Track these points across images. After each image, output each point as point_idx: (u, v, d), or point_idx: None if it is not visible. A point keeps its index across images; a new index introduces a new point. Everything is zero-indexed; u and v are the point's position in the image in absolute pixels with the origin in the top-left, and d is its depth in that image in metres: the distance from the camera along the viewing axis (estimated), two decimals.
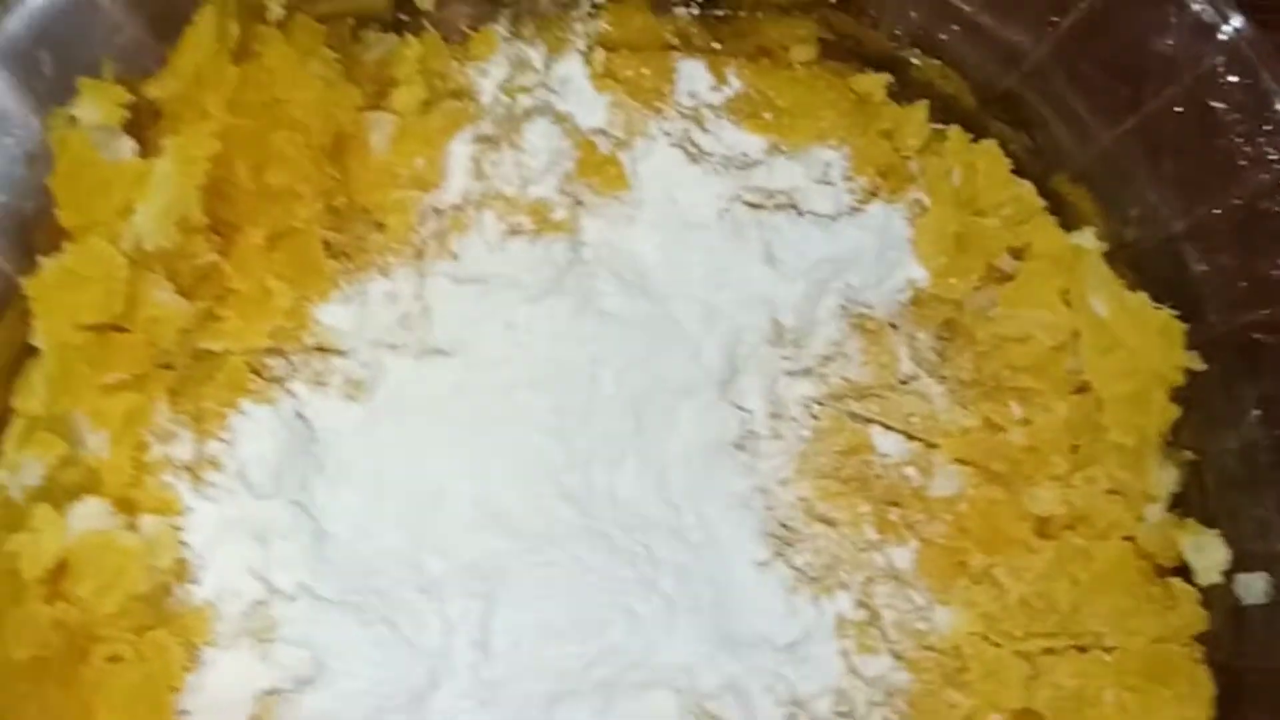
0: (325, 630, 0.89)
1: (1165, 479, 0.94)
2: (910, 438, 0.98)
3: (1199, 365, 0.91)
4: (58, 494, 0.86)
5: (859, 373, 0.98)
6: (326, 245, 0.94)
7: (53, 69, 0.85)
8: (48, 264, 0.84)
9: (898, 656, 0.93)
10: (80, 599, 0.85)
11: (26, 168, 0.85)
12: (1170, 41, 0.88)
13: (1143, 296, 0.92)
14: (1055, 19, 0.91)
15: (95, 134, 0.85)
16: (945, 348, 0.99)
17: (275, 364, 0.94)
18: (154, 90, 0.88)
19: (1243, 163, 0.88)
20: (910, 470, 0.97)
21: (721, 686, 0.91)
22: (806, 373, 0.98)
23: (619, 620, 0.92)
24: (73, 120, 0.84)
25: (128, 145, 0.86)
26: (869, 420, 0.98)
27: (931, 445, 0.97)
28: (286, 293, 0.92)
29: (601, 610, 0.92)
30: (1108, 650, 0.91)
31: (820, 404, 0.98)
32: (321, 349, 0.95)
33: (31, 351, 0.88)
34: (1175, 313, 0.92)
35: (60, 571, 0.85)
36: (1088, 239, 0.95)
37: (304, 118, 0.90)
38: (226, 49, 0.88)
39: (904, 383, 0.99)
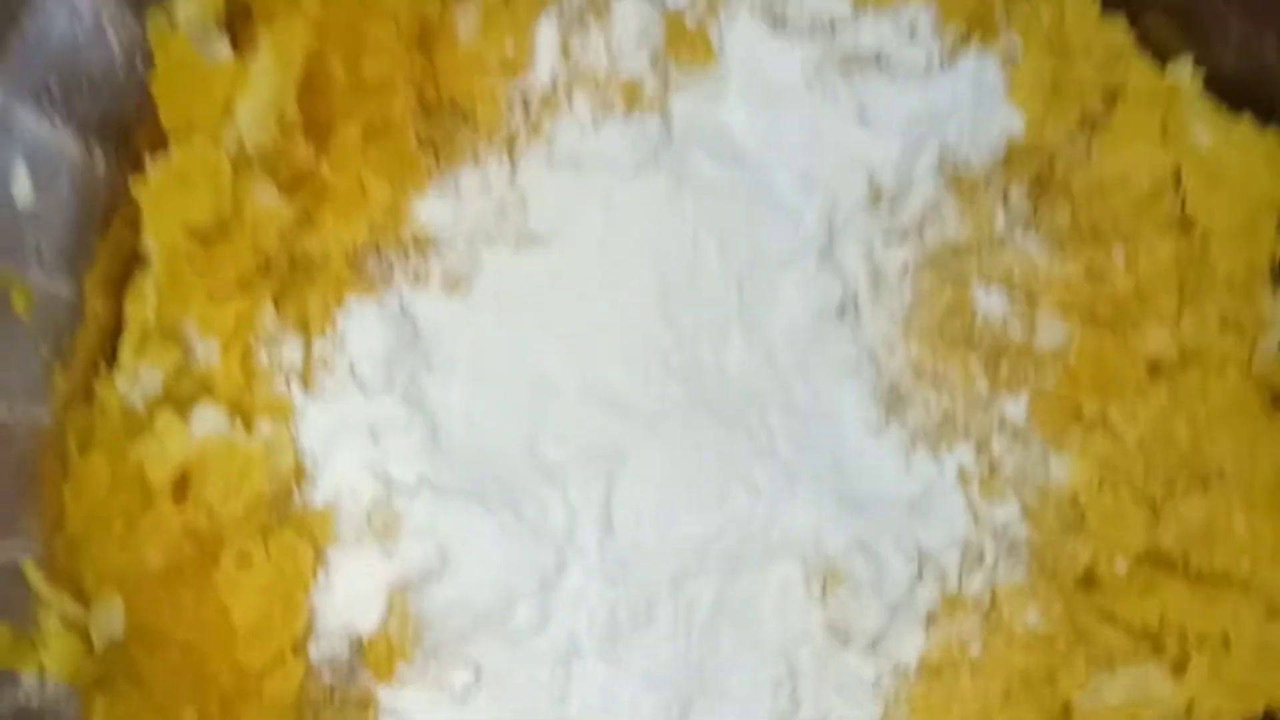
0: (449, 520, 0.89)
1: (1278, 307, 0.93)
2: (1012, 292, 0.97)
3: None
4: (175, 401, 0.87)
5: (956, 231, 0.97)
6: (419, 138, 0.93)
7: None
8: (154, 167, 0.84)
9: (1022, 505, 0.93)
10: (206, 503, 0.85)
11: (125, 69, 0.84)
12: None
13: (1247, 123, 0.92)
14: None
15: (193, 33, 0.84)
16: (1039, 201, 0.98)
17: (374, 261, 0.94)
18: None
19: None
20: (1015, 324, 0.97)
21: (849, 546, 0.91)
22: (904, 235, 0.97)
23: (739, 491, 0.92)
24: (170, 19, 0.83)
25: (223, 44, 0.86)
26: (969, 279, 0.98)
27: (1034, 298, 0.97)
28: (383, 188, 0.91)
29: (721, 482, 0.92)
30: (1232, 483, 0.91)
31: (919, 265, 0.98)
32: (419, 244, 0.94)
33: (137, 260, 0.88)
34: None
35: (185, 477, 0.85)
36: (1184, 70, 0.94)
37: (394, 8, 0.90)
38: None
39: (1001, 239, 0.98)
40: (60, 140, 0.82)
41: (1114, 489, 0.93)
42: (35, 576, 0.80)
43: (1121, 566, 0.93)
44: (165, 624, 0.83)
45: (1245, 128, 0.92)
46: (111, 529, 0.83)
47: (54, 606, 0.80)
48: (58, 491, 0.83)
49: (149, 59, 0.84)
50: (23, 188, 0.81)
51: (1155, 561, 0.92)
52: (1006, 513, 0.93)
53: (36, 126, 0.81)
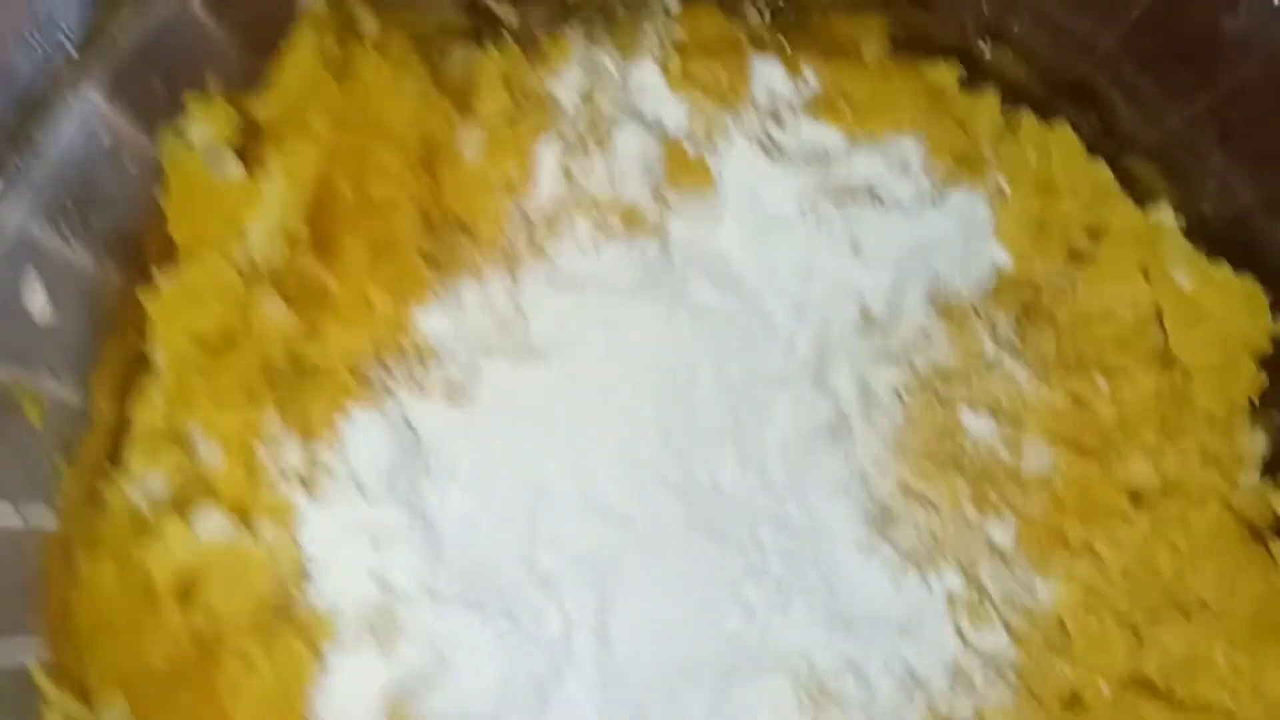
0: (447, 627, 0.91)
1: (1256, 443, 0.96)
2: (999, 418, 1.00)
3: None
4: (180, 504, 0.88)
5: (945, 356, 1.00)
6: (422, 253, 0.96)
7: (160, 86, 0.87)
8: (166, 280, 0.86)
9: (1008, 629, 0.95)
10: (210, 607, 0.87)
11: (138, 186, 0.87)
12: (1241, 20, 0.91)
13: (1225, 267, 0.95)
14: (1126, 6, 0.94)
15: (205, 152, 0.87)
16: (1026, 330, 1.01)
17: (377, 372, 0.96)
18: (260, 109, 0.90)
19: None
20: (1002, 449, 0.99)
21: (839, 665, 0.92)
22: (895, 359, 1.00)
23: (733, 607, 0.94)
24: (182, 137, 0.86)
25: (234, 162, 0.88)
26: (957, 403, 1.00)
27: (1020, 424, 0.99)
28: (387, 301, 0.94)
29: (715, 598, 0.94)
30: (1213, 614, 0.93)
31: (909, 389, 1.00)
32: (421, 355, 0.96)
33: (142, 362, 0.90)
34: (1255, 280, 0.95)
35: (189, 579, 0.87)
36: (1166, 214, 0.97)
37: (401, 131, 0.93)
38: (328, 67, 0.91)
39: (989, 366, 1.01)
40: (75, 256, 0.85)
41: (1098, 614, 0.95)
42: (41, 678, 0.81)
43: (1106, 691, 0.94)
44: None
45: (1223, 271, 0.95)
46: (117, 631, 0.84)
47: (59, 707, 0.81)
48: (63, 593, 0.84)
49: (160, 175, 0.87)
50: (40, 304, 0.83)
51: (1139, 687, 0.94)
52: (994, 637, 0.95)
53: (52, 244, 0.83)
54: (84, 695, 0.84)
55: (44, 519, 0.84)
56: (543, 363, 0.97)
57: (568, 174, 0.98)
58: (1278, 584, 0.92)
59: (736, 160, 1.00)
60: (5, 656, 0.81)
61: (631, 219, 0.98)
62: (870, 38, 1.02)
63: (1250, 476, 0.96)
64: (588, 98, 1.01)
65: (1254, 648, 0.91)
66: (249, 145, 0.91)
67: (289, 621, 0.90)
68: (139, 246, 0.88)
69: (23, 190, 0.82)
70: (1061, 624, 0.96)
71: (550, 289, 0.97)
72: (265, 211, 0.88)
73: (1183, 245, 0.97)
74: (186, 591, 0.87)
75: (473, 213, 0.97)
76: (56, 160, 0.83)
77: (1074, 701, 0.95)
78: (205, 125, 0.88)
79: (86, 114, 0.84)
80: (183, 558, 0.86)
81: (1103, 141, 1.00)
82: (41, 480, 0.84)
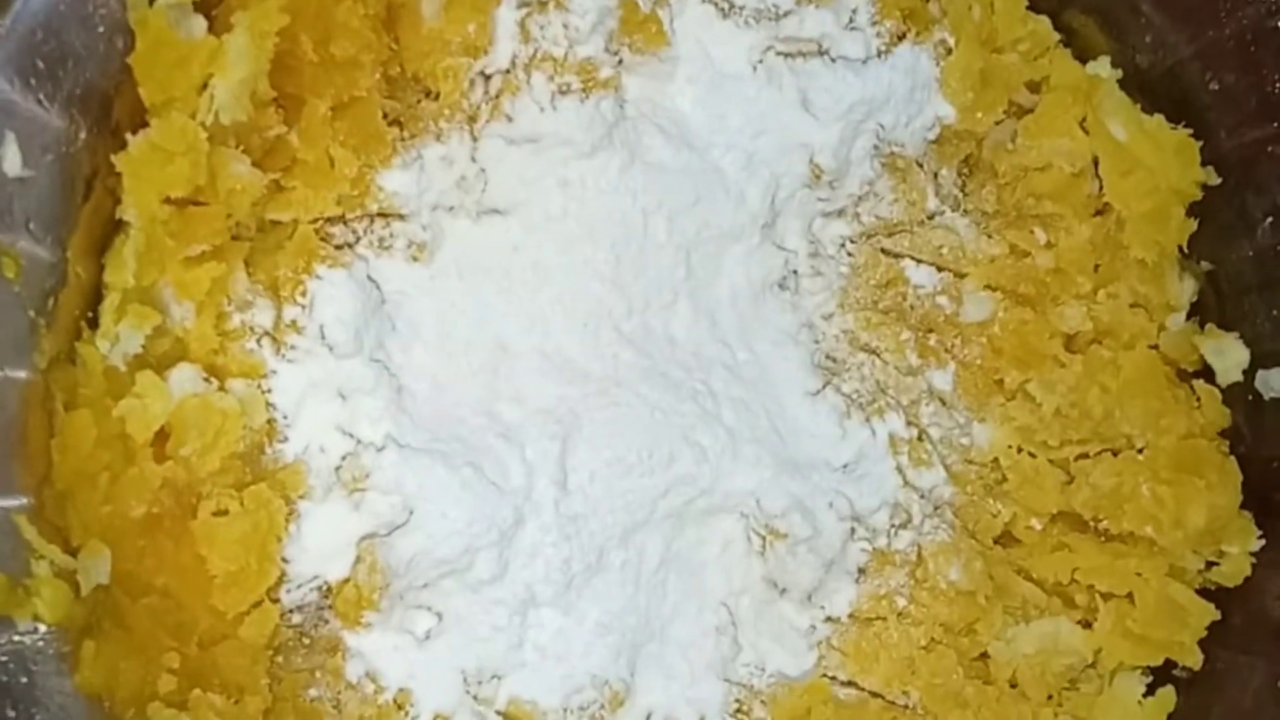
0: (414, 476, 0.94)
1: (1185, 289, 1.01)
2: (941, 268, 1.04)
3: (1214, 179, 0.98)
4: (154, 361, 0.91)
5: (890, 210, 1.04)
6: (384, 114, 0.97)
7: None
8: (135, 140, 0.88)
9: (947, 469, 1.00)
10: (184, 459, 0.90)
11: (106, 46, 0.88)
12: None
13: (1159, 118, 0.99)
14: None
15: (171, 12, 0.88)
16: (968, 182, 1.05)
17: (341, 231, 0.98)
18: None
19: None
20: (943, 299, 1.04)
21: (787, 506, 0.97)
22: (841, 213, 1.04)
23: (686, 452, 0.98)
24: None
25: (199, 23, 0.89)
26: (901, 255, 1.04)
27: (961, 274, 1.04)
28: (350, 160, 0.95)
29: (669, 444, 0.98)
30: (1140, 450, 0.98)
31: (854, 241, 1.04)
32: (384, 214, 0.99)
33: (118, 227, 0.91)
34: (1189, 131, 0.98)
35: (165, 433, 0.90)
36: (1103, 68, 1.01)
37: None
38: None
39: (931, 217, 1.05)
40: (46, 115, 0.86)
41: (1031, 454, 1.01)
42: (27, 529, 0.84)
43: (1037, 526, 1.00)
44: (147, 572, 0.87)
45: (1158, 123, 0.99)
46: (96, 483, 0.86)
47: (45, 556, 0.84)
48: (44, 447, 0.87)
49: (129, 37, 0.87)
50: (12, 160, 0.84)
51: (1068, 522, 1.00)
52: (933, 476, 1.00)
53: (24, 101, 0.84)
54: (67, 545, 0.87)
55: (24, 374, 0.86)
56: (502, 220, 1.00)
57: (525, 32, 0.99)
58: (1200, 422, 0.98)
59: (689, 17, 1.02)
60: None
61: (587, 76, 0.99)
62: None
63: (1177, 320, 1.01)
64: None
65: (1177, 481, 0.96)
66: (215, 5, 0.92)
67: (261, 473, 0.93)
68: (109, 107, 0.89)
69: None
70: (996, 463, 1.01)
71: (509, 147, 0.99)
72: (229, 70, 0.89)
73: (1119, 97, 1.00)
74: (163, 445, 0.90)
75: (433, 74, 0.98)
76: (26, 19, 0.84)
77: (1007, 537, 1.02)
78: None
79: None
80: (159, 413, 0.89)
81: None
82: (21, 336, 0.86)
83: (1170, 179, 0.98)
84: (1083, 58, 1.02)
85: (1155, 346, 1.00)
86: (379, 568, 0.93)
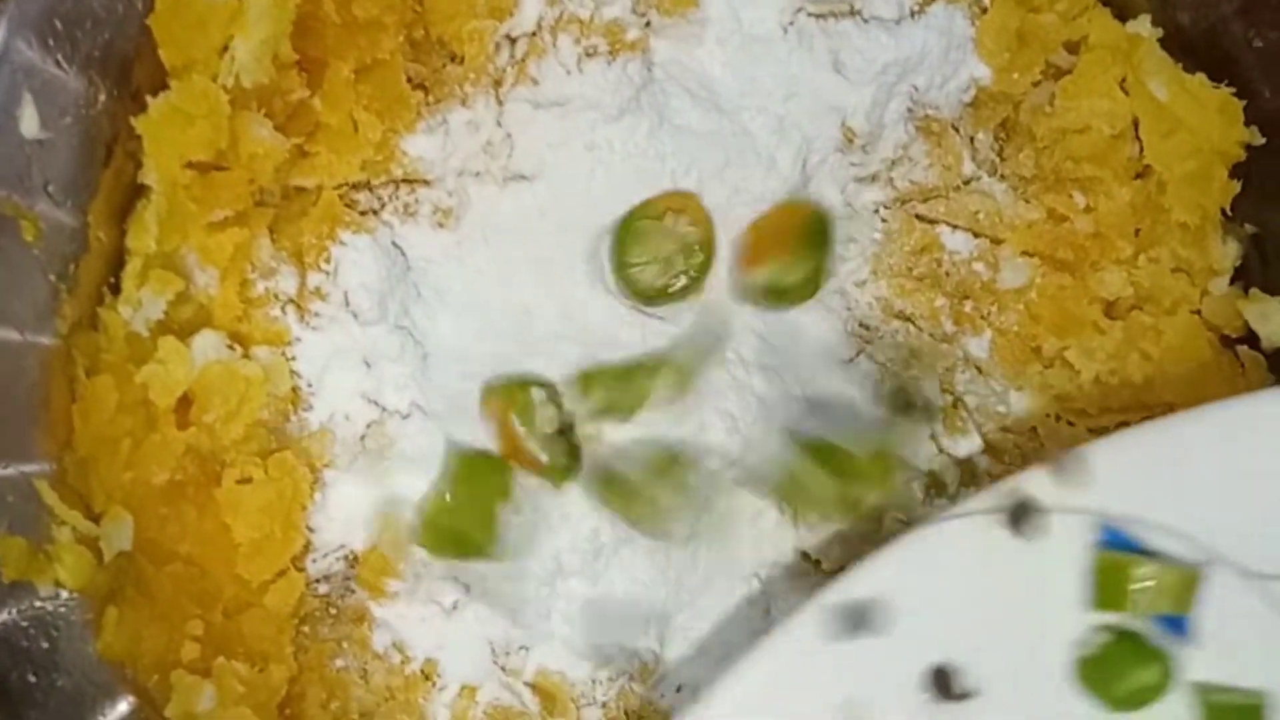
0: (439, 444, 0.94)
1: (1228, 252, 0.98)
2: (977, 234, 1.02)
3: (1258, 139, 0.95)
4: (177, 327, 0.90)
5: (924, 175, 1.02)
6: (408, 78, 0.96)
7: None
8: (156, 103, 0.87)
9: (983, 438, 0.98)
10: (208, 425, 0.89)
11: (125, 7, 0.87)
12: None
13: (1201, 77, 0.96)
14: None
15: None
16: (1004, 146, 1.02)
17: (366, 197, 0.97)
18: None
19: None
20: (979, 265, 1.01)
21: None
22: (874, 177, 1.01)
23: (716, 421, 0.96)
24: None
25: None
26: (936, 220, 1.02)
27: (998, 240, 1.01)
28: (374, 125, 0.94)
29: (699, 413, 0.96)
30: None
31: (888, 206, 1.02)
32: (409, 180, 0.98)
33: (139, 192, 0.90)
34: (1231, 90, 0.96)
35: (187, 400, 0.89)
36: (1143, 26, 0.98)
37: None
38: None
39: (967, 182, 1.02)
40: (64, 76, 0.85)
41: (1070, 423, 0.99)
42: (49, 494, 0.83)
43: None
44: (171, 539, 0.87)
45: (1199, 82, 0.96)
46: (118, 449, 0.86)
47: (67, 522, 0.84)
48: (66, 413, 0.86)
49: None
50: (30, 122, 0.83)
51: None
52: (969, 445, 0.98)
53: (42, 63, 0.84)
54: (89, 511, 0.87)
55: (45, 339, 0.85)
56: (528, 185, 0.98)
57: None
58: (1244, 388, 0.95)
59: None
60: (15, 473, 0.83)
61: (614, 38, 0.98)
62: None
63: (1220, 285, 0.98)
64: None
65: None
66: None
67: (285, 440, 0.93)
68: (129, 70, 0.88)
69: (10, 9, 0.82)
70: (1034, 432, 0.99)
71: (535, 110, 0.98)
72: (251, 32, 0.88)
73: (1160, 56, 0.97)
74: (185, 411, 0.89)
75: (458, 37, 0.97)
76: None
77: None
78: None
79: None
80: (181, 379, 0.88)
81: None
82: (42, 301, 0.85)
83: (1213, 139, 0.95)
84: (1122, 16, 0.99)
85: (1198, 312, 0.98)
86: (401, 534, 0.92)
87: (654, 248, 0.96)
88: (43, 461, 0.85)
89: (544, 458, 0.94)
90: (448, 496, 0.92)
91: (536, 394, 0.95)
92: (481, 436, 0.95)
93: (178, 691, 0.85)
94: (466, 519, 0.93)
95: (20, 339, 0.84)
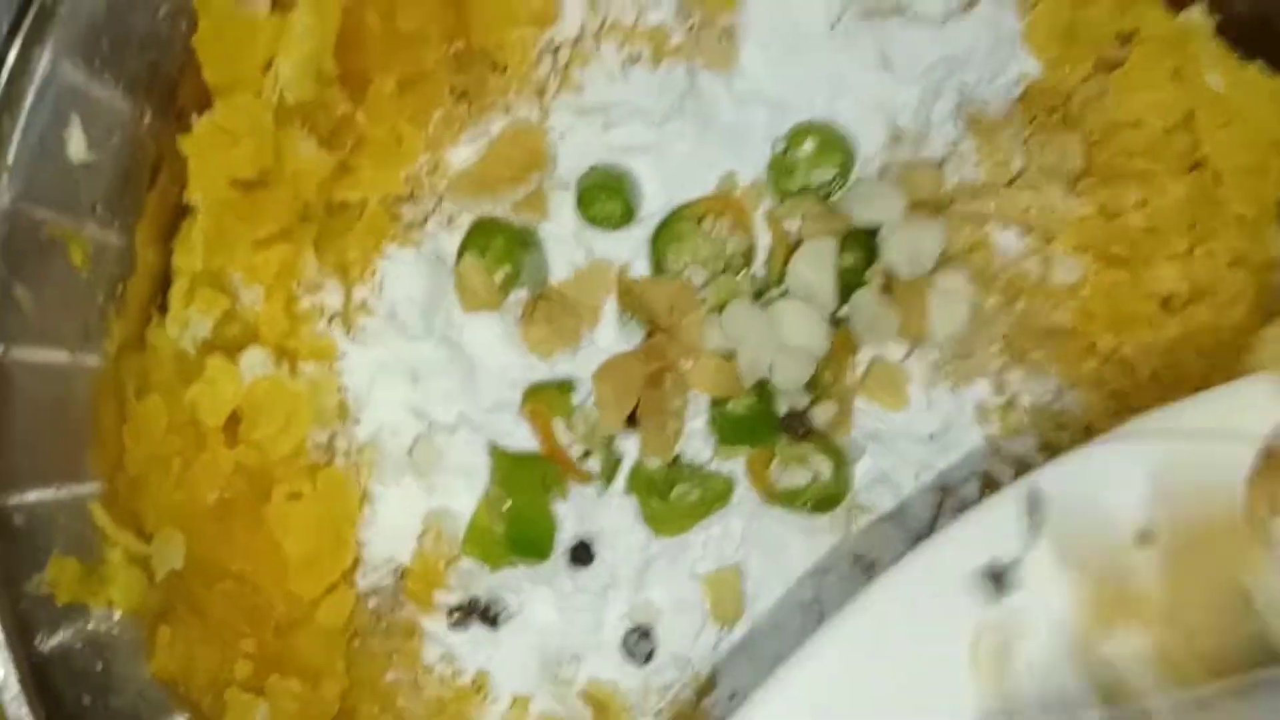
0: (484, 456, 0.94)
1: None
2: (1028, 231, 1.00)
3: None
4: (224, 346, 0.91)
5: (974, 172, 1.00)
6: (451, 89, 0.96)
7: None
8: (200, 122, 0.87)
9: (1039, 437, 0.97)
10: (256, 442, 0.90)
11: (169, 28, 0.87)
12: None
13: (1258, 65, 0.94)
14: None
15: None
16: (1055, 141, 1.01)
17: (410, 209, 0.97)
18: None
19: None
20: (1030, 263, 1.00)
21: (871, 479, 0.95)
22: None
23: None
24: None
25: (263, 0, 0.89)
26: (986, 217, 1.01)
27: (1049, 237, 1.00)
28: (418, 137, 0.94)
29: None
30: None
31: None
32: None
33: (185, 212, 0.91)
34: None
35: (235, 418, 0.90)
36: (1197, 15, 0.96)
37: None
38: None
39: (1018, 178, 1.01)
40: (111, 98, 0.86)
41: (1126, 419, 0.97)
42: (100, 515, 0.84)
43: None
44: (222, 557, 0.88)
45: (1256, 71, 0.94)
46: (169, 468, 0.87)
47: (118, 543, 0.85)
48: (116, 434, 0.87)
49: (192, 18, 0.87)
50: (78, 145, 0.84)
51: None
52: (1024, 444, 0.96)
53: (88, 85, 0.85)
54: (140, 531, 0.87)
55: (95, 360, 0.86)
56: (571, 193, 0.98)
57: (593, 1, 0.97)
58: None
59: None
60: (67, 495, 0.84)
61: (658, 44, 0.97)
62: None
63: (1278, 278, 0.96)
64: None
65: None
66: None
67: (334, 455, 0.93)
68: (173, 90, 0.89)
69: (56, 30, 0.82)
70: (1091, 433, 0.97)
71: (579, 119, 0.97)
72: (294, 48, 0.88)
73: (1214, 46, 0.95)
74: (234, 429, 0.89)
75: (500, 46, 0.97)
76: (88, 1, 0.84)
77: None
78: None
79: None
80: (230, 397, 0.89)
81: None
82: (91, 323, 0.86)
83: (1271, 129, 0.93)
84: (1175, 5, 0.97)
85: (1256, 307, 0.95)
86: (445, 538, 0.92)
87: (691, 249, 0.95)
88: (93, 482, 0.86)
89: (588, 462, 0.94)
90: (504, 503, 0.92)
91: (577, 397, 0.95)
92: (528, 444, 0.94)
93: (231, 710, 0.86)
94: (524, 520, 0.93)
95: (69, 360, 0.85)
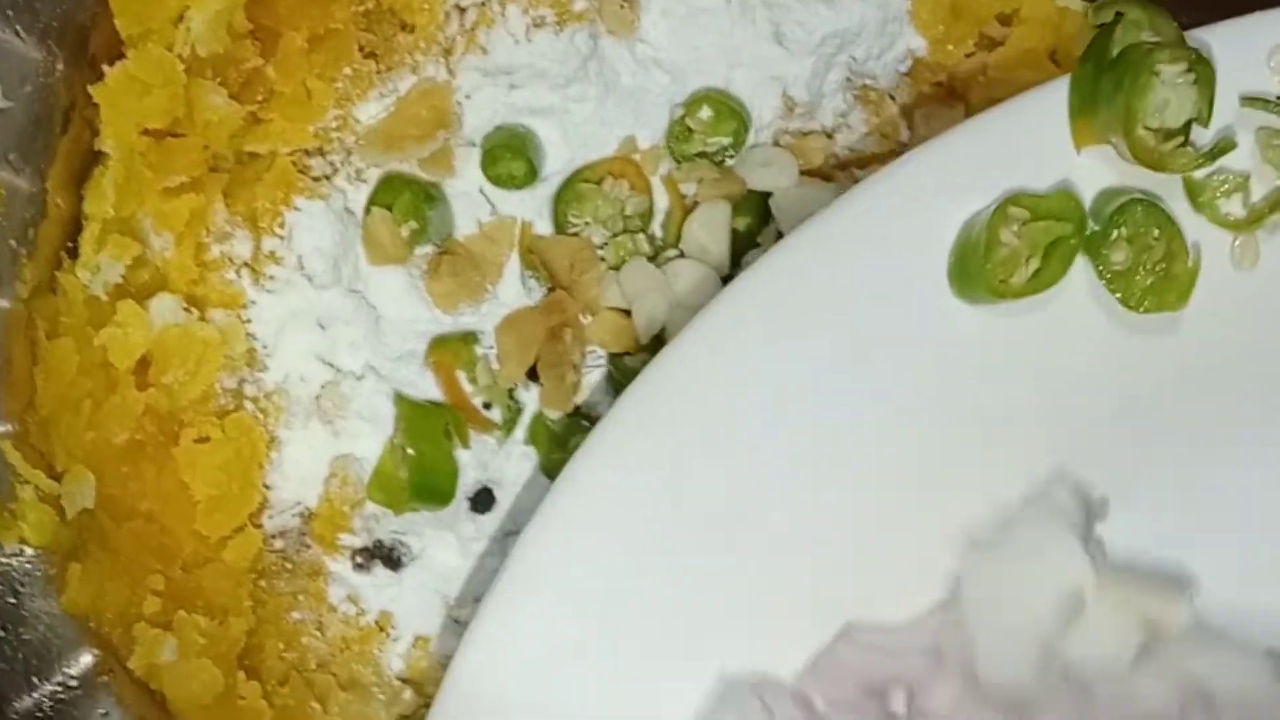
0: (389, 402, 0.97)
1: None
2: None
3: None
4: (135, 291, 0.93)
5: (862, 142, 1.05)
6: (360, 46, 0.98)
7: None
8: (113, 72, 0.89)
9: None
10: (166, 386, 0.92)
11: None
12: None
13: None
14: None
15: None
16: (939, 114, 1.06)
17: (319, 163, 0.99)
18: None
19: None
20: None
21: None
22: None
23: None
24: None
25: None
26: None
27: None
28: (327, 93, 0.97)
29: None
30: None
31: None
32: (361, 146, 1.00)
33: (96, 158, 0.92)
34: None
35: (145, 362, 0.92)
36: (1074, 1, 1.02)
37: None
38: None
39: (903, 149, 1.05)
40: (24, 46, 0.87)
41: None
42: (12, 454, 0.86)
43: None
44: (131, 496, 0.90)
45: None
46: (79, 409, 0.88)
47: (30, 481, 0.86)
48: (28, 375, 0.89)
49: None
50: None
51: None
52: None
53: (2, 33, 0.86)
54: (51, 470, 0.89)
55: (7, 303, 0.87)
56: (477, 152, 1.00)
57: None
58: None
59: None
60: None
61: (562, 9, 1.00)
62: None
63: None
64: None
65: None
66: None
67: (243, 401, 0.95)
68: (87, 39, 0.90)
69: None
70: None
71: (485, 80, 1.00)
72: (206, 2, 0.90)
73: (1089, 29, 1.01)
74: (144, 373, 0.91)
75: (409, 5, 0.99)
76: None
77: None
78: None
79: None
80: (140, 342, 0.90)
81: None
82: (2, 269, 0.87)
83: None
84: None
85: None
86: (350, 482, 0.95)
87: (591, 209, 0.99)
88: (5, 422, 0.87)
89: (491, 412, 0.98)
90: (407, 449, 0.95)
91: (480, 349, 0.98)
92: (432, 393, 0.98)
93: (140, 644, 0.88)
94: (427, 467, 0.96)
95: None
